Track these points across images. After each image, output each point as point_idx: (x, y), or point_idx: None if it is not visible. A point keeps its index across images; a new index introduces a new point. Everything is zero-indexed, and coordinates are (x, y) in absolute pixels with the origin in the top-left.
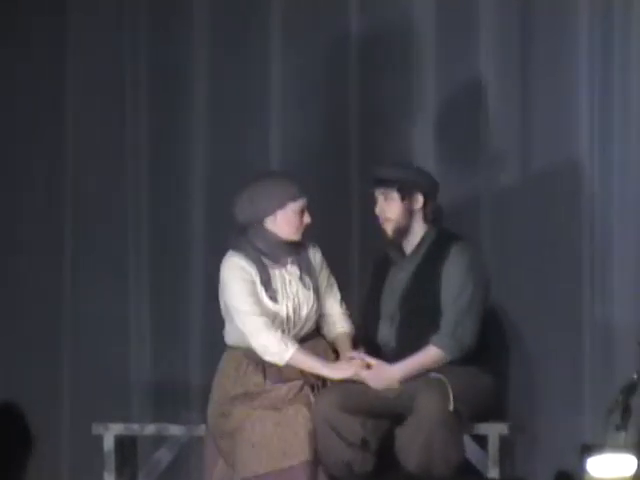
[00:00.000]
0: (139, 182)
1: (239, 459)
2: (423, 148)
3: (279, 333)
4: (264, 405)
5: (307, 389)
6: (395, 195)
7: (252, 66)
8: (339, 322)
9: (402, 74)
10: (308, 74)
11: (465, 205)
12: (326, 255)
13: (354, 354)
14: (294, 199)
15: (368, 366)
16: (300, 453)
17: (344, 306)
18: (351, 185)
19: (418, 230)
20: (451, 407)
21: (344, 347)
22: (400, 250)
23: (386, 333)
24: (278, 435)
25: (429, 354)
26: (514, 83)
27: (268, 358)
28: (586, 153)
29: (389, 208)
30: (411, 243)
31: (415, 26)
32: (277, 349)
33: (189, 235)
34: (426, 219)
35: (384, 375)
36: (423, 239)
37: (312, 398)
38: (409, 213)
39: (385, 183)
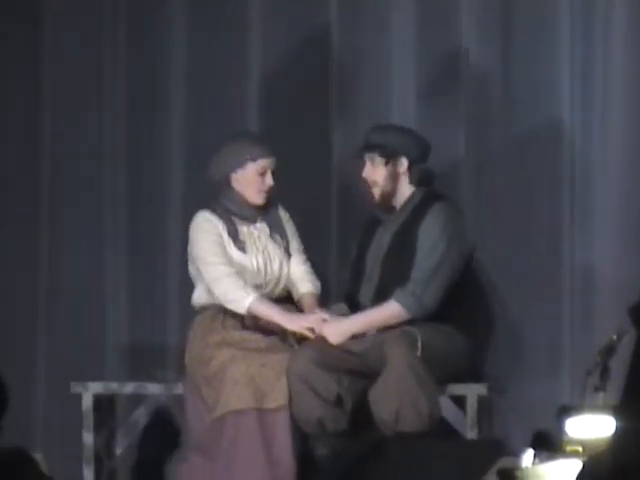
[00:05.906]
0: (116, 145)
1: (222, 395)
2: (403, 109)
3: (241, 282)
4: (249, 348)
5: (292, 340)
6: (379, 159)
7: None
8: (303, 282)
9: (382, 31)
10: (287, 26)
11: (447, 166)
12: (305, 218)
13: (314, 310)
14: (254, 159)
15: (325, 321)
16: (282, 398)
17: (308, 264)
18: (331, 145)
19: (405, 192)
20: (418, 353)
21: (308, 307)
22: (391, 210)
23: (365, 292)
24: (262, 375)
25: (388, 308)
26: (496, 47)
27: (229, 306)
28: (567, 110)
29: (374, 172)
30: (399, 204)
31: None
32: (235, 296)
33: (166, 196)
34: (412, 181)
35: (338, 328)
36: (409, 200)
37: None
38: (394, 177)
39: (369, 148)
